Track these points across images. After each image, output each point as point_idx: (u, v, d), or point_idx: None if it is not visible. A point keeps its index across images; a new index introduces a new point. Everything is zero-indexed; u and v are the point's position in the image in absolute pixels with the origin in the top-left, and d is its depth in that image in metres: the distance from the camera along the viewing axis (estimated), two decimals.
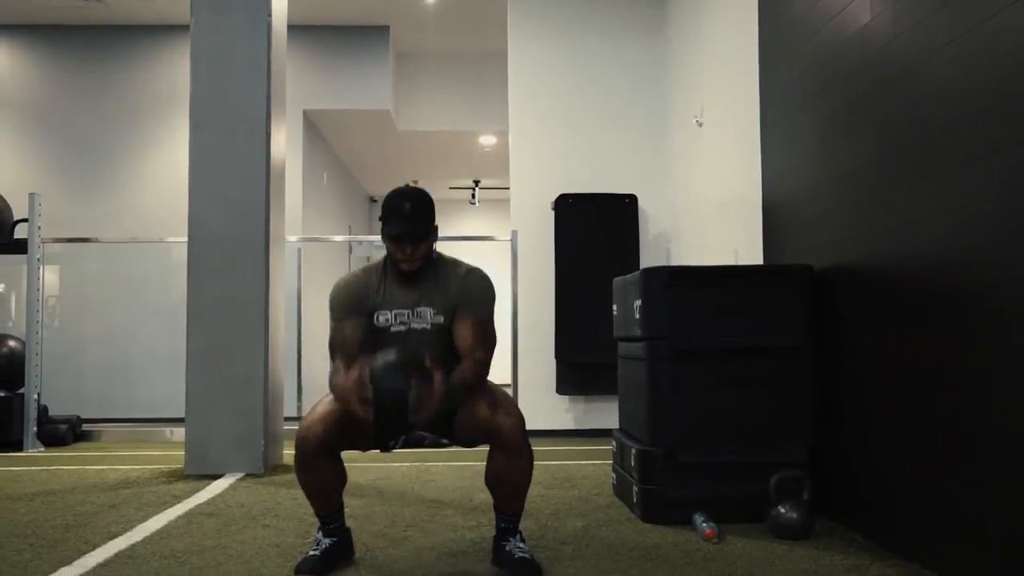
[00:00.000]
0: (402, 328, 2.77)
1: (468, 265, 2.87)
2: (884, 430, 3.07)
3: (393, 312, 2.77)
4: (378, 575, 2.76)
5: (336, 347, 2.75)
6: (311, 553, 2.80)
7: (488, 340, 2.78)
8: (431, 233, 2.76)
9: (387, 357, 2.52)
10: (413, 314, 2.77)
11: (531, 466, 2.71)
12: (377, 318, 2.77)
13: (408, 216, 2.70)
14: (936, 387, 2.73)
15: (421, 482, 4.36)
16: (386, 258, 2.81)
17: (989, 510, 2.46)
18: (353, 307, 2.77)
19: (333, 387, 2.68)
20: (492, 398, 2.68)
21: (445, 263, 2.85)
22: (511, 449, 2.66)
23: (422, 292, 2.78)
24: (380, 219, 2.77)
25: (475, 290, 2.81)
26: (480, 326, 2.77)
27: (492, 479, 2.76)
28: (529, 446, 2.68)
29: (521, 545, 2.82)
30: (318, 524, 2.86)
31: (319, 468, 2.71)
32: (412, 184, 2.89)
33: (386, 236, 2.71)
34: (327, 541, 2.82)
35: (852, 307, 3.36)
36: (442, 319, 2.77)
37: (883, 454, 3.08)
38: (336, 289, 2.81)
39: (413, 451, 5.38)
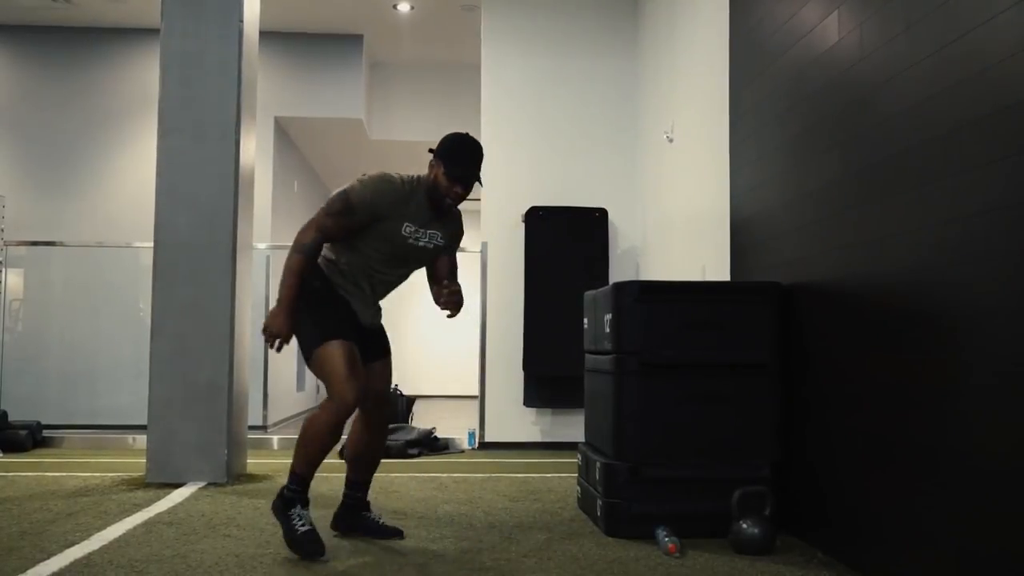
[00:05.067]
0: (414, 241, 3.23)
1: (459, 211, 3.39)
2: (847, 447, 3.10)
3: (416, 226, 3.21)
4: None
5: (333, 215, 3.13)
6: (306, 529, 3.06)
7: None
8: None
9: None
10: (426, 234, 3.25)
11: None
12: (405, 227, 3.19)
13: (475, 163, 3.20)
14: (898, 405, 2.76)
15: (385, 493, 4.33)
16: (421, 179, 3.23)
17: (947, 527, 2.48)
18: (383, 209, 3.14)
19: (299, 244, 3.10)
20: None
21: None
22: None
23: (438, 219, 3.27)
24: (439, 156, 3.17)
25: (462, 233, 3.44)
26: (456, 260, 3.45)
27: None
28: None
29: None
30: (298, 497, 3.09)
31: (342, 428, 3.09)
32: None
33: (449, 175, 3.14)
34: (309, 516, 3.10)
35: (817, 324, 3.39)
36: (442, 244, 3.32)
37: (845, 471, 3.10)
38: (384, 182, 3.16)
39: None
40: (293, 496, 3.08)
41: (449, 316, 3.24)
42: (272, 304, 7.21)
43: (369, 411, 3.33)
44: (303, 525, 3.05)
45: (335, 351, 3.06)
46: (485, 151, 6.49)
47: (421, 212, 3.21)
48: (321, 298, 3.16)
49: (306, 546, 3.03)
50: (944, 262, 2.52)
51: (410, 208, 3.19)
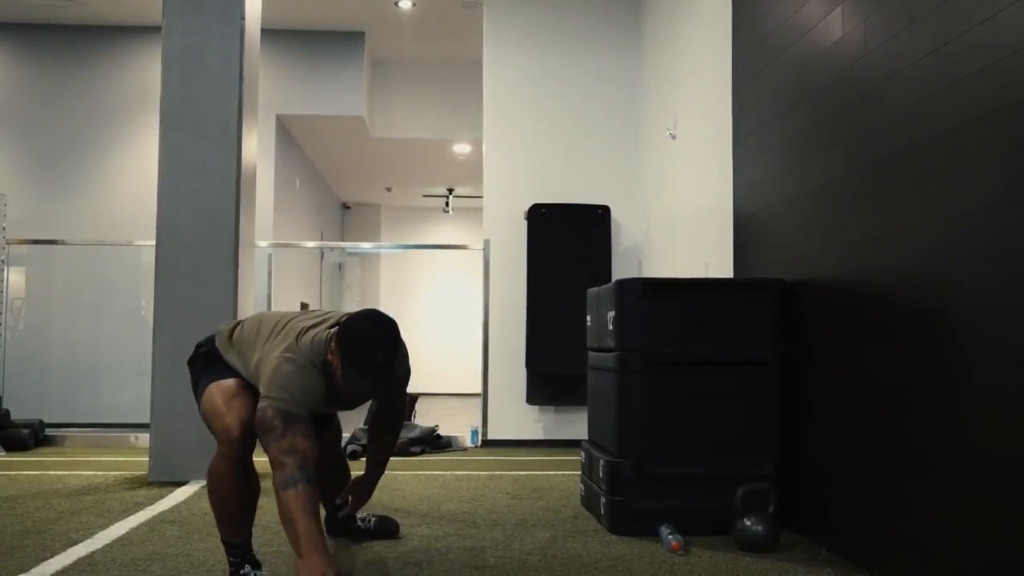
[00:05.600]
0: (329, 405, 2.77)
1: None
2: (849, 444, 3.09)
3: (325, 408, 2.80)
4: None
5: (289, 433, 2.38)
6: None
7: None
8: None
9: None
10: (330, 409, 2.95)
11: None
12: (325, 409, 2.83)
13: (375, 373, 2.51)
14: (900, 402, 2.75)
15: (388, 491, 4.33)
16: (325, 358, 2.57)
17: (949, 525, 2.48)
18: (315, 402, 2.57)
19: (284, 479, 2.34)
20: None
21: None
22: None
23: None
24: (338, 347, 2.50)
25: (402, 379, 3.03)
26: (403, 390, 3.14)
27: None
28: None
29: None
30: (242, 560, 2.68)
31: (250, 470, 2.62)
32: (377, 313, 2.61)
33: (343, 380, 2.49)
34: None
35: (820, 321, 3.38)
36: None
37: (848, 468, 3.10)
38: (306, 381, 2.50)
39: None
40: (235, 569, 2.70)
41: (341, 510, 3.25)
42: (274, 303, 7.26)
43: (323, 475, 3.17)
44: None
45: (211, 392, 2.67)
46: (488, 149, 6.61)
47: (331, 392, 2.63)
48: (218, 356, 2.78)
49: None
50: (946, 259, 2.52)
51: (324, 395, 2.61)
